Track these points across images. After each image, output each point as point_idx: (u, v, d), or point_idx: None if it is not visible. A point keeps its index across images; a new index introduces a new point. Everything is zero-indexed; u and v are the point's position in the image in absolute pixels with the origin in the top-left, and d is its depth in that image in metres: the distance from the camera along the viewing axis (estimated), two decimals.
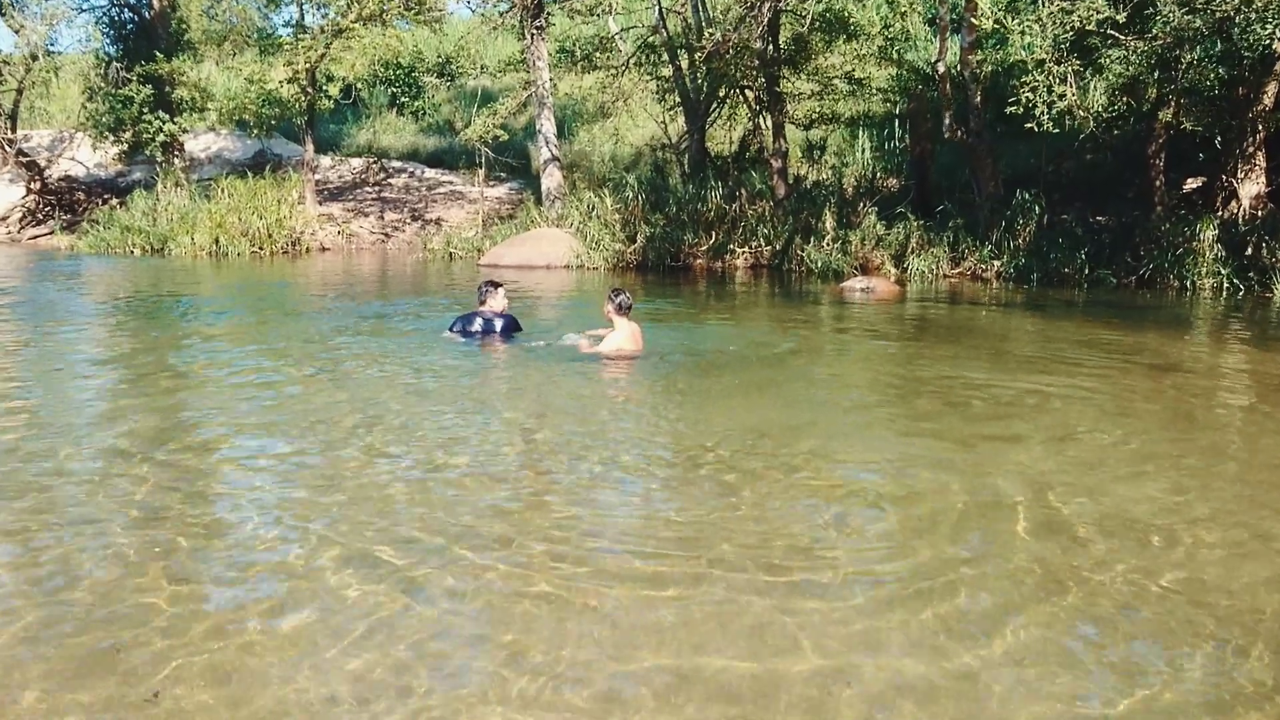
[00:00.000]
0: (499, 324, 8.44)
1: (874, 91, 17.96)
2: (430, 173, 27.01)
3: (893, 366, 7.86)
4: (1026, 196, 14.94)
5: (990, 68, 15.20)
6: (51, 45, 24.03)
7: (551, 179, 21.69)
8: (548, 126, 21.83)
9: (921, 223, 15.78)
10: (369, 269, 17.83)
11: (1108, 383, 7.11)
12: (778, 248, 16.31)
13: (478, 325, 8.42)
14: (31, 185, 24.58)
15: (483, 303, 8.58)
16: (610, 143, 23.56)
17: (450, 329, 8.59)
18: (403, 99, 31.23)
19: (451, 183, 26.47)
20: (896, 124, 18.59)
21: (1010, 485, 4.67)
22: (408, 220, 24.01)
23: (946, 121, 15.23)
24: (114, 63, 22.11)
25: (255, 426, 5.70)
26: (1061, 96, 12.22)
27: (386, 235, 23.43)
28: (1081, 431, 5.68)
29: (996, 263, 14.90)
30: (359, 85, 29.51)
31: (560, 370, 7.28)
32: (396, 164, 27.34)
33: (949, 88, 15.00)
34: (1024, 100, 12.49)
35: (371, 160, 27.01)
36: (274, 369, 7.44)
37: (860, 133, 19.17)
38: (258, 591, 3.47)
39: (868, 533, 4.11)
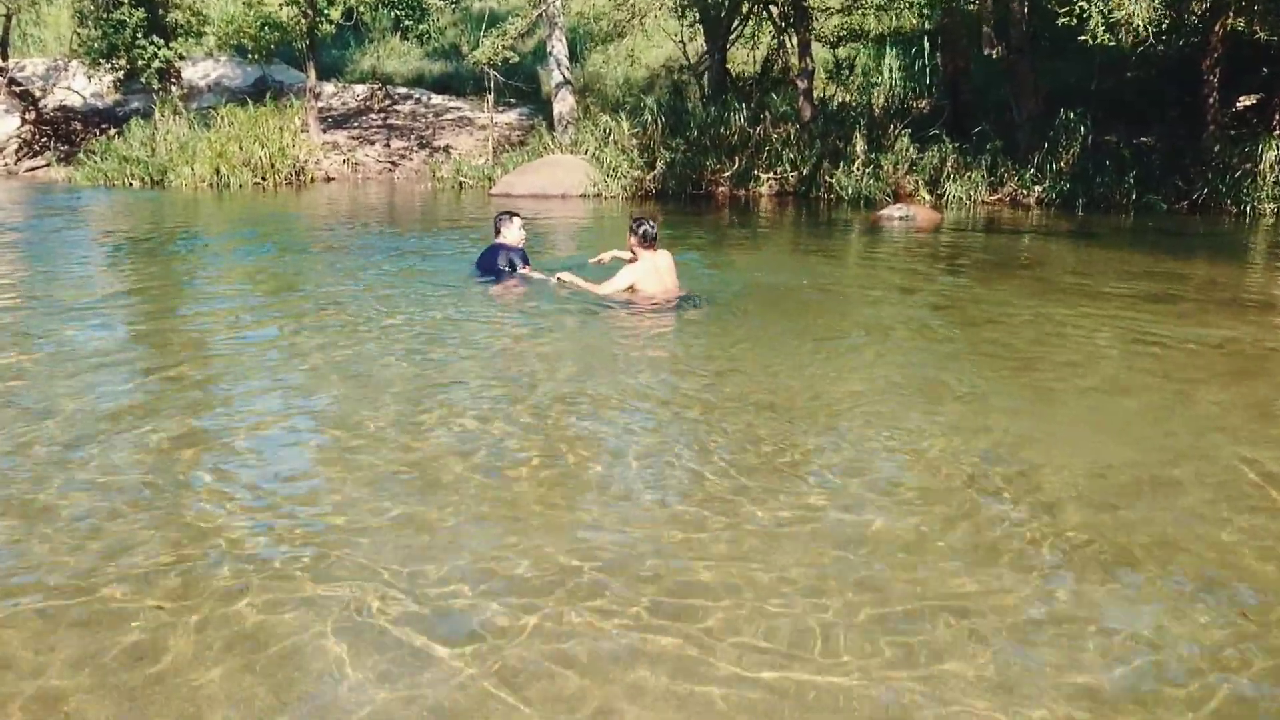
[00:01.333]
0: (520, 260, 7.79)
1: (907, 5, 16.89)
2: (437, 99, 26.02)
3: (967, 307, 7.17)
4: (1071, 116, 14.05)
5: None
6: None
7: (564, 103, 20.77)
8: (559, 48, 20.85)
9: (957, 145, 14.93)
10: (376, 199, 17.10)
11: (1202, 325, 6.46)
12: (804, 173, 15.50)
13: (504, 262, 7.74)
14: (26, 115, 23.74)
15: (498, 234, 7.92)
16: (625, 65, 22.52)
17: (477, 266, 7.94)
18: (407, 22, 29.97)
19: (459, 109, 25.51)
20: (925, 41, 17.56)
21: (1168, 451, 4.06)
22: (415, 148, 23.16)
23: (989, 36, 14.28)
24: None
25: (273, 387, 5.11)
26: (1119, 5, 11.30)
27: (393, 164, 22.61)
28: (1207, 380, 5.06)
29: (1038, 188, 14.11)
30: (361, 8, 28.42)
31: (598, 320, 6.57)
32: (402, 90, 26.35)
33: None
34: (1077, 10, 11.58)
35: (376, 86, 26.00)
36: (292, 318, 6.81)
37: (887, 51, 18.14)
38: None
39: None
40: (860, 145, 15.12)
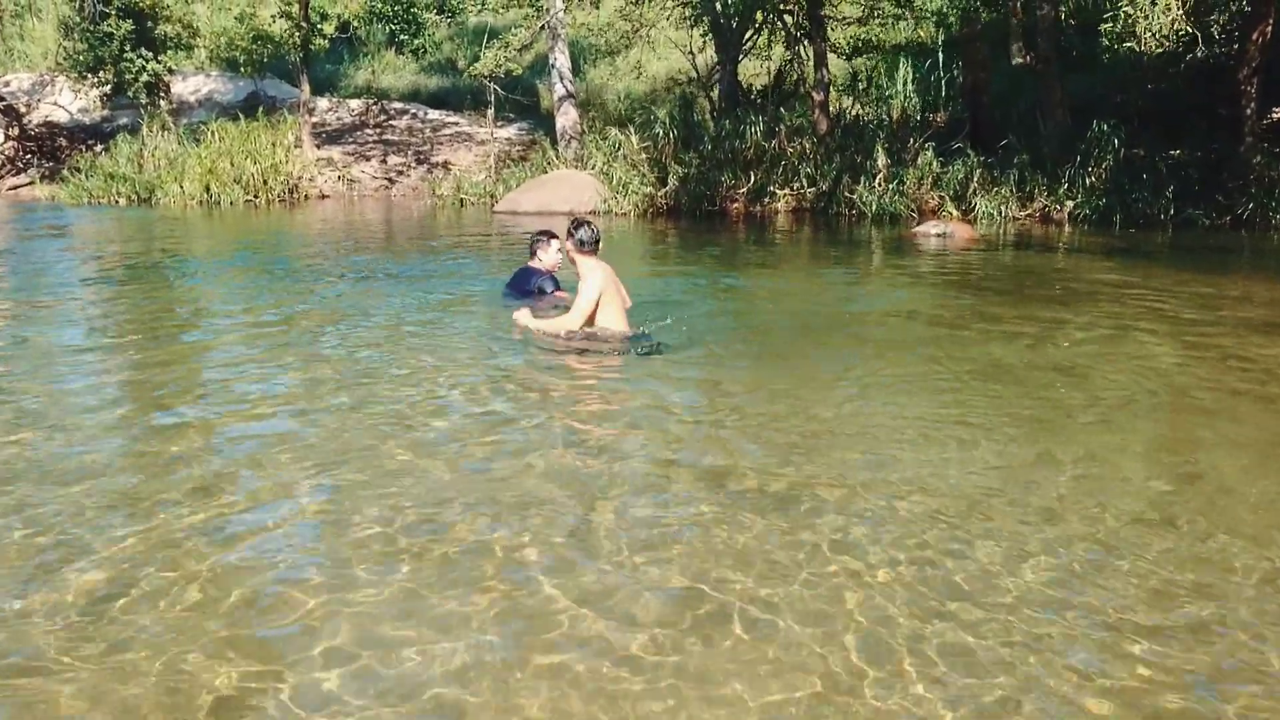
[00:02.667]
0: (550, 285, 7.07)
1: (926, 15, 16.28)
2: (434, 114, 25.33)
3: (1046, 345, 6.46)
4: (1105, 128, 13.41)
5: None
6: None
7: (567, 117, 20.12)
8: (562, 60, 20.21)
9: (982, 159, 14.29)
10: (376, 218, 16.37)
11: None
12: (823, 189, 14.83)
13: (534, 286, 7.03)
14: (9, 131, 22.97)
15: (534, 256, 7.21)
16: (631, 77, 21.90)
17: (509, 288, 7.21)
18: (402, 37, 29.43)
19: (457, 124, 24.83)
20: (940, 52, 16.95)
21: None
22: (412, 164, 22.46)
23: (1017, 45, 13.66)
24: None
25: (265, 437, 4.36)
26: (1167, 9, 10.68)
27: (390, 180, 21.90)
28: None
29: (1070, 203, 13.45)
30: (355, 23, 27.81)
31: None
32: (398, 105, 25.65)
33: (1019, 5, 13.38)
34: (1123, 16, 10.95)
35: (371, 101, 25.29)
36: (290, 360, 6.07)
37: (903, 62, 17.52)
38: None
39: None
40: (882, 159, 14.47)
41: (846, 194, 14.57)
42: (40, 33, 27.41)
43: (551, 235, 7.27)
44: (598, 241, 5.93)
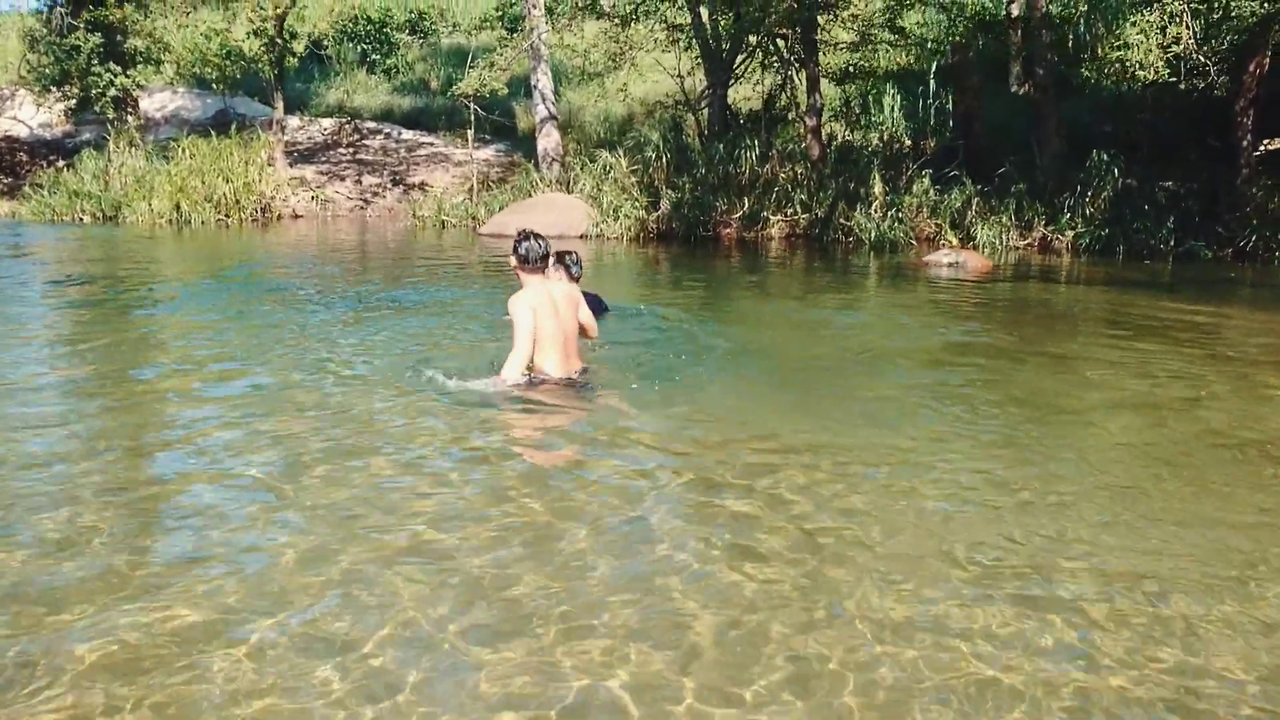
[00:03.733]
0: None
1: (919, 40, 16.11)
2: (408, 134, 24.83)
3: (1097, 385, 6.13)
4: (1105, 157, 13.28)
5: (1071, 9, 13.39)
6: None
7: (549, 139, 19.73)
8: (544, 82, 19.85)
9: (979, 188, 14.10)
10: (354, 239, 15.84)
11: None
12: (818, 215, 14.55)
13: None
14: None
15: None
16: (616, 99, 21.57)
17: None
18: (374, 56, 28.97)
19: (432, 144, 24.35)
20: (932, 80, 16.81)
21: None
22: (388, 184, 21.93)
23: (1015, 72, 13.51)
24: (58, 7, 19.64)
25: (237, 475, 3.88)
26: (1176, 39, 10.54)
27: (365, 201, 21.35)
28: None
29: (1070, 232, 13.27)
30: (326, 41, 27.29)
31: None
32: (371, 124, 25.13)
33: (1019, 34, 13.23)
34: (1130, 43, 10.79)
35: (344, 120, 24.74)
36: (264, 392, 5.56)
37: (891, 88, 17.35)
38: None
39: None
40: (879, 186, 14.22)
41: (842, 221, 14.29)
42: (1, 46, 26.58)
43: (561, 255, 6.84)
44: (546, 257, 5.04)
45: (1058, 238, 13.27)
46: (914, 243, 13.61)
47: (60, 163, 21.44)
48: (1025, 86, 13.56)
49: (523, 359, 4.83)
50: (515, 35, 24.89)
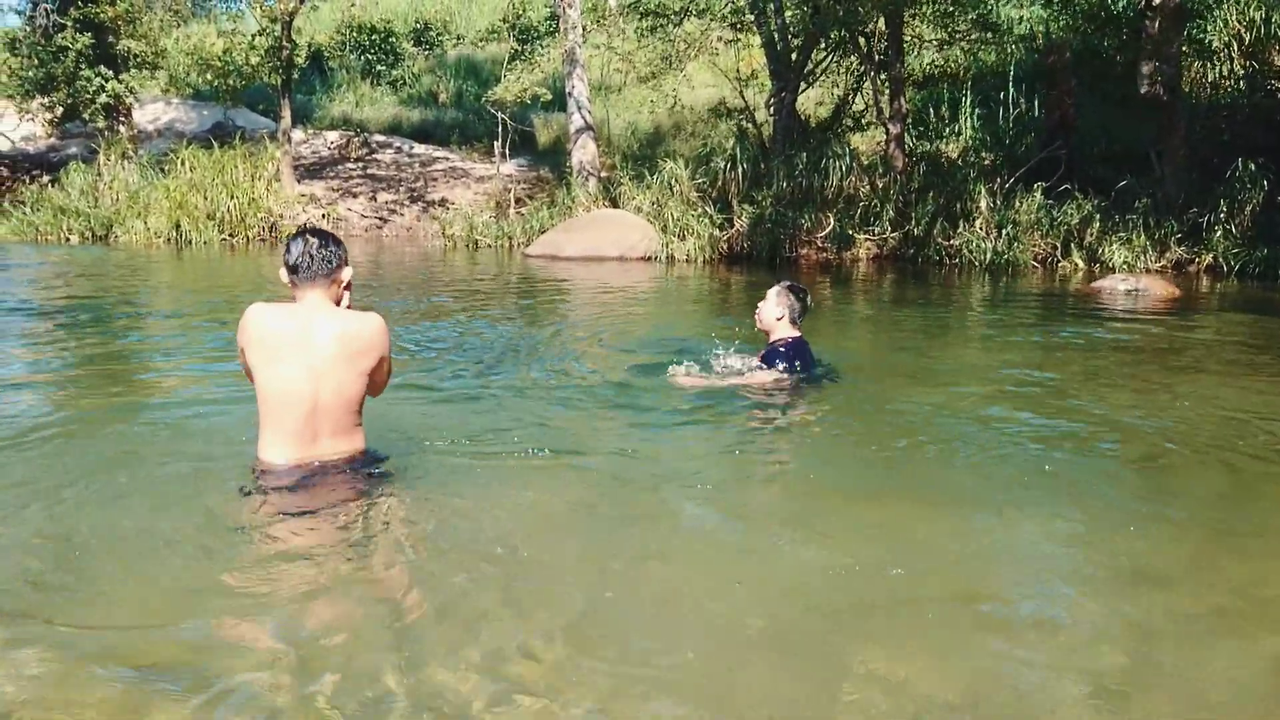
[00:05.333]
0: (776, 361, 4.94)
1: (1018, 38, 14.44)
2: (420, 148, 23.04)
3: None
4: (1252, 167, 11.61)
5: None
6: None
7: (584, 151, 17.95)
8: (580, 89, 18.10)
9: (1096, 203, 12.42)
10: (386, 260, 13.97)
11: None
12: (913, 233, 12.82)
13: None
14: None
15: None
16: (643, 111, 19.89)
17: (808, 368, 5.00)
18: (379, 67, 27.30)
19: (448, 158, 22.57)
20: (1023, 83, 15.17)
21: None
22: (405, 201, 20.10)
23: (1145, 72, 11.85)
24: (42, 4, 17.76)
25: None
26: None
27: (381, 220, 19.50)
28: None
29: (1210, 254, 11.58)
30: (327, 52, 25.60)
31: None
32: (380, 138, 23.32)
33: (1159, 24, 11.57)
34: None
35: (352, 133, 22.92)
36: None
37: (968, 95, 15.68)
38: None
39: None
40: (984, 201, 12.50)
41: (941, 239, 12.56)
42: None
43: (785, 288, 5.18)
44: (306, 265, 3.19)
45: (1189, 259, 11.56)
46: (1037, 265, 11.90)
47: (44, 178, 19.51)
48: (1154, 87, 11.84)
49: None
50: (528, 45, 23.36)
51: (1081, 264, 11.77)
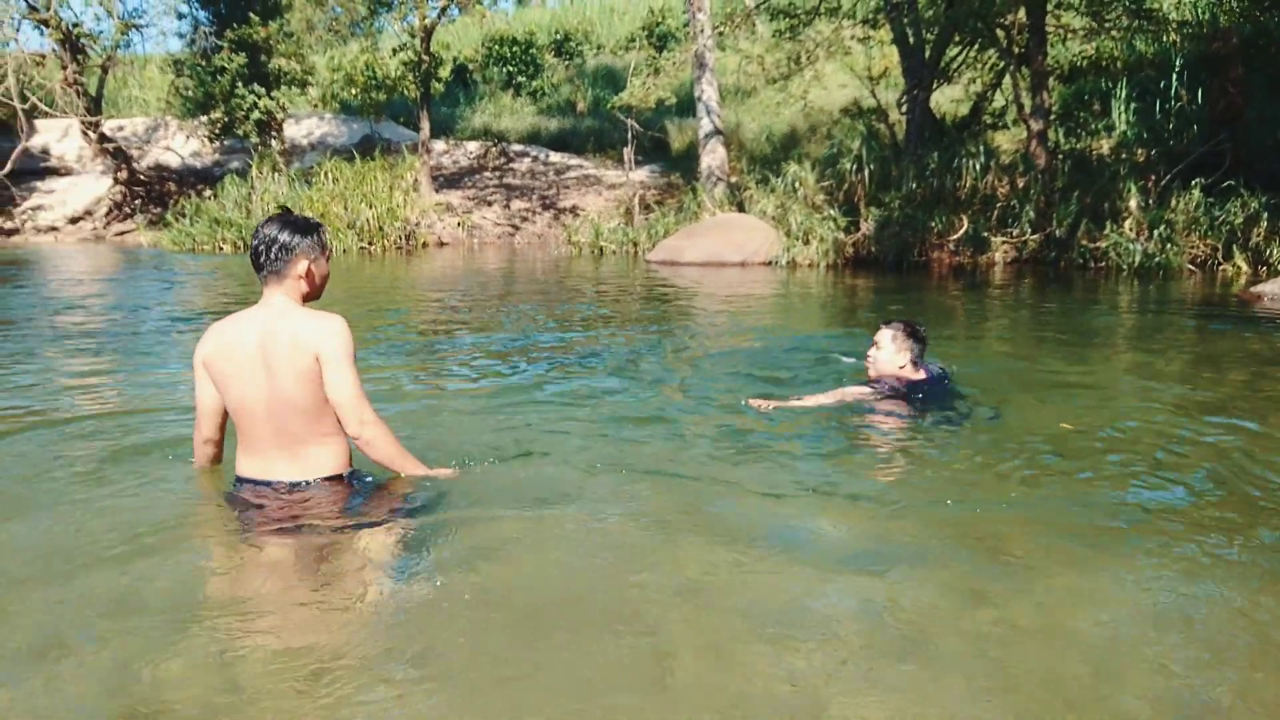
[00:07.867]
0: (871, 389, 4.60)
1: (1177, 24, 13.39)
2: (555, 156, 23.34)
3: None
4: None
5: None
6: (136, 17, 20.92)
7: (713, 156, 17.73)
8: (709, 93, 17.89)
9: (1264, 199, 11.33)
10: (520, 269, 14.13)
11: None
12: (1056, 235, 12.03)
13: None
14: (119, 176, 21.68)
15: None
16: (778, 114, 19.52)
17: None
18: (520, 79, 27.82)
19: (581, 166, 22.78)
20: (1184, 73, 14.03)
21: None
22: (537, 209, 20.37)
23: None
24: (201, 27, 18.87)
25: None
26: None
27: (514, 227, 19.82)
28: None
29: None
30: (471, 66, 26.24)
31: None
32: (517, 147, 23.73)
33: None
34: None
35: (490, 143, 23.41)
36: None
37: (1124, 84, 14.60)
38: None
39: None
40: (1135, 200, 11.61)
41: (1086, 241, 11.74)
42: (158, 80, 26.47)
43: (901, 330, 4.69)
44: (265, 264, 3.01)
45: None
46: (1193, 268, 10.98)
47: (207, 191, 20.76)
48: None
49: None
50: (666, 51, 23.29)
51: (1245, 266, 10.77)
